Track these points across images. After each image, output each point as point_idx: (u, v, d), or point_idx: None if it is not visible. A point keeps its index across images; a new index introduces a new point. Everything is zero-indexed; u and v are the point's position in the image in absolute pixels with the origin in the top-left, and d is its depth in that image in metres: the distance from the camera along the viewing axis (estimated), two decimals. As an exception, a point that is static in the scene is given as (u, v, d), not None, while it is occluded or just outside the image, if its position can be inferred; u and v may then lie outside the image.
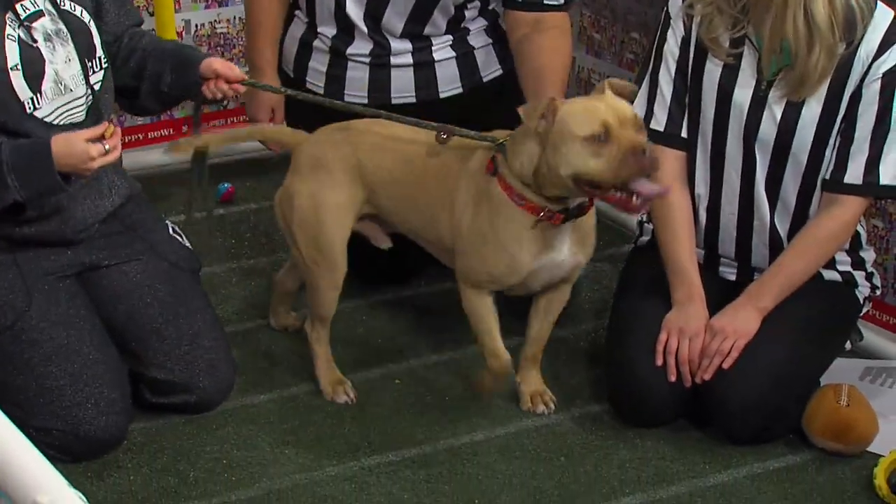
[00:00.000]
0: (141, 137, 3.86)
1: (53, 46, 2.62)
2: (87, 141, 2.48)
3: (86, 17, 2.69)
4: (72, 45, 2.64)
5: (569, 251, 2.72)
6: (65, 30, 2.64)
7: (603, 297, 3.35)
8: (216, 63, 2.72)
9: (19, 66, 2.56)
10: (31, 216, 2.65)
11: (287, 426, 2.83)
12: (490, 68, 3.22)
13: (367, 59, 3.14)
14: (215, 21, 3.97)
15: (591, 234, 2.77)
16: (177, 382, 2.78)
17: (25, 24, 2.59)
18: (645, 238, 3.05)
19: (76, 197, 2.69)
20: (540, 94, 2.99)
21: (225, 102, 2.70)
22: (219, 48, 3.98)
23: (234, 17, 3.98)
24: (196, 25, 3.92)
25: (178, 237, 2.91)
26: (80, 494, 1.38)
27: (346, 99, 3.17)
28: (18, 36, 2.57)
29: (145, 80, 2.77)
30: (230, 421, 2.84)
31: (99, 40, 2.71)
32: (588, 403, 2.94)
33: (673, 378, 2.78)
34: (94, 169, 2.50)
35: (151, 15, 3.72)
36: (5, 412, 1.50)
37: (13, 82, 2.56)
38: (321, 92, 3.20)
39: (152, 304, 2.77)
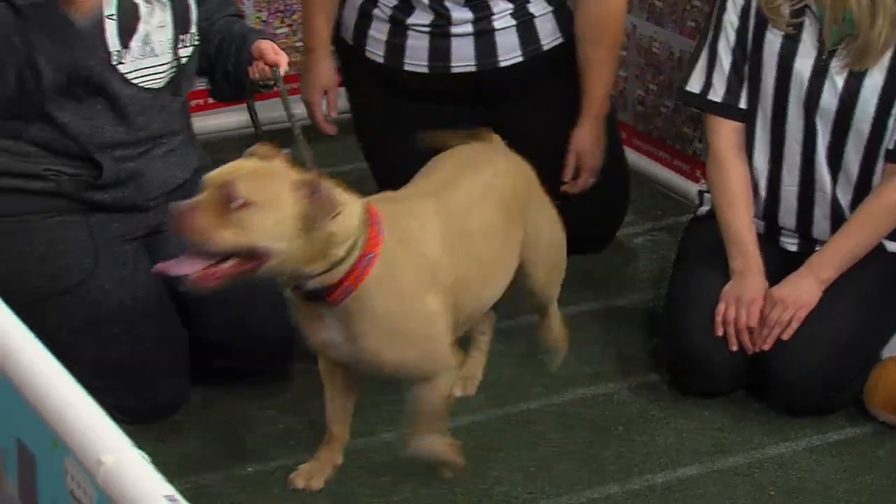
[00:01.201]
0: (202, 102, 3.88)
1: (152, 8, 2.65)
2: None
3: None
4: (169, 13, 2.67)
5: (339, 335, 2.32)
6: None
7: (661, 267, 3.33)
8: (262, 44, 2.68)
9: (115, 17, 2.60)
10: (108, 182, 2.67)
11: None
12: (551, 37, 3.21)
13: (428, 29, 3.14)
14: (275, -11, 3.98)
15: (375, 323, 2.29)
16: (237, 346, 2.80)
17: None
18: (705, 208, 3.03)
19: (151, 166, 2.72)
20: (596, 43, 3.07)
21: (273, 85, 2.66)
22: (279, 14, 3.99)
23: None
24: (257, -6, 3.93)
25: None
26: (144, 454, 1.39)
27: (406, 68, 3.17)
28: None
29: (219, 62, 2.77)
30: (288, 386, 2.86)
31: (195, 17, 2.73)
32: (646, 373, 2.93)
33: (734, 348, 2.76)
34: None
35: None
36: (69, 371, 1.52)
37: (105, 29, 2.59)
38: (381, 60, 3.19)
39: None
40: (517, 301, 3.00)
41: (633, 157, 3.67)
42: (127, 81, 2.64)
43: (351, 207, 2.23)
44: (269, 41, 2.69)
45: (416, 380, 2.39)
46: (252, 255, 2.13)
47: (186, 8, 2.72)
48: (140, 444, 1.40)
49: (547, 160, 3.25)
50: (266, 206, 2.10)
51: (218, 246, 2.10)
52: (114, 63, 2.61)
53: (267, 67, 2.65)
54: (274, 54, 2.65)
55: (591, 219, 3.34)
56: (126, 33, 2.62)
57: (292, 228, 2.12)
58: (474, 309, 2.50)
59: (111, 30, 2.60)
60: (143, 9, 2.65)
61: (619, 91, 3.84)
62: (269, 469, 2.59)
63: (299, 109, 3.40)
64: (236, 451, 2.64)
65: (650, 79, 3.81)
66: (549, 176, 3.26)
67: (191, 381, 2.77)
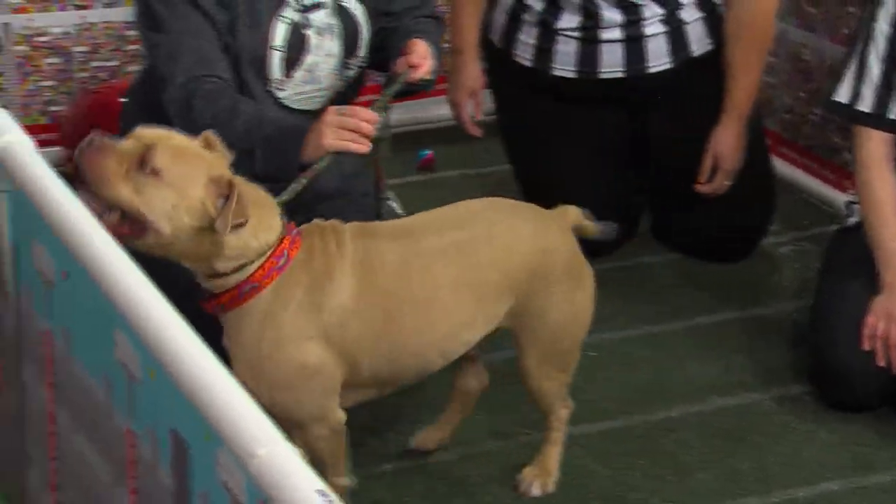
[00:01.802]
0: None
1: (322, 39, 2.64)
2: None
3: (360, 16, 2.70)
4: (338, 41, 2.66)
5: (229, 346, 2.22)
6: (337, 26, 2.66)
7: (805, 277, 3.28)
8: (417, 44, 2.59)
9: (283, 49, 2.60)
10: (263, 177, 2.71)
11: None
12: (701, 43, 3.18)
13: (577, 34, 3.12)
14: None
15: (242, 351, 2.18)
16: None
17: (304, 11, 2.63)
18: (853, 219, 2.97)
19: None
20: (744, 43, 3.02)
21: (421, 84, 2.60)
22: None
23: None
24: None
25: (393, 207, 2.95)
26: (296, 449, 1.42)
27: (554, 73, 3.17)
28: (293, 20, 2.61)
29: (382, 55, 2.72)
30: (428, 383, 2.86)
31: (366, 39, 2.71)
32: (788, 384, 2.88)
33: (882, 363, 2.71)
34: (339, 147, 2.40)
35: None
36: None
37: (269, 60, 2.60)
38: (529, 64, 3.20)
39: None
40: (660, 306, 2.99)
41: (779, 165, 3.62)
42: (282, 106, 2.63)
43: (258, 228, 2.13)
44: (425, 44, 2.60)
45: (287, 423, 2.07)
46: (135, 222, 2.05)
47: (356, 33, 2.70)
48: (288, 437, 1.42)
49: (690, 165, 3.23)
50: (172, 186, 2.04)
51: (110, 195, 2.03)
52: (270, 89, 2.61)
53: (406, 64, 2.56)
54: (418, 57, 2.56)
55: (735, 226, 3.31)
56: (289, 64, 2.62)
57: (185, 218, 2.05)
58: (392, 373, 2.31)
59: (274, 61, 2.60)
60: (314, 40, 2.63)
61: (766, 98, 3.78)
62: (406, 467, 2.61)
63: (444, 110, 3.43)
64: (377, 448, 2.66)
65: (799, 86, 3.75)
66: (692, 182, 3.24)
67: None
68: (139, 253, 1.93)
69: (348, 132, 2.37)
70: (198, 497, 1.57)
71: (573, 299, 2.40)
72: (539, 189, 3.10)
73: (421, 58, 2.55)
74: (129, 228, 2.05)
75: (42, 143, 3.48)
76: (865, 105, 2.78)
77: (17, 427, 2.19)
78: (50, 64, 3.68)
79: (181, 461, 1.60)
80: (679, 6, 3.14)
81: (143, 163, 2.03)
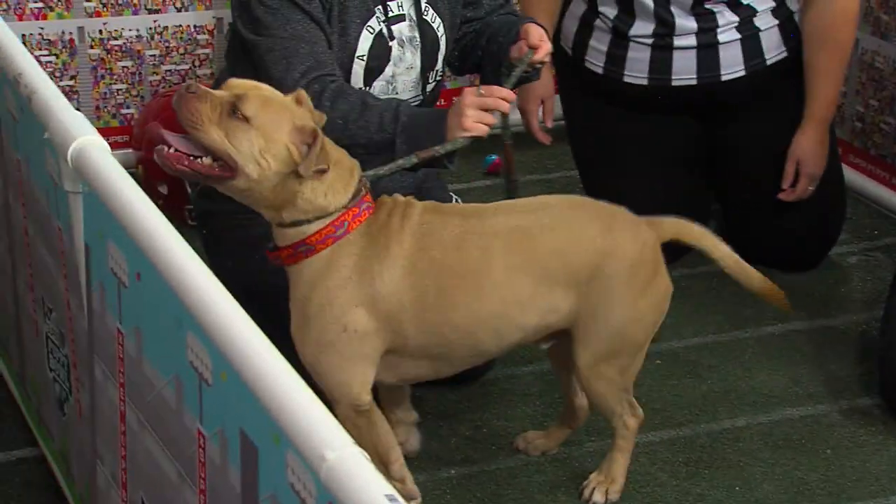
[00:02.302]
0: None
1: (403, 52, 2.67)
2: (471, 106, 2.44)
3: (441, 29, 2.72)
4: (419, 55, 2.68)
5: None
6: (418, 39, 2.68)
7: (876, 288, 3.24)
8: (531, 27, 2.58)
9: (365, 58, 2.63)
10: None
11: (546, 399, 2.84)
12: (775, 51, 3.16)
13: (650, 41, 3.11)
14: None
15: (294, 304, 2.31)
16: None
17: (388, 23, 2.65)
18: (925, 229, 2.94)
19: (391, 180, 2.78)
20: (824, 45, 3.03)
21: (536, 69, 2.59)
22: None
23: None
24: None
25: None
26: (364, 453, 1.42)
27: (626, 80, 3.16)
28: (379, 31, 2.63)
29: (488, 50, 2.72)
30: (492, 390, 2.87)
31: (443, 53, 2.73)
32: (857, 396, 2.85)
33: (953, 376, 2.68)
34: (477, 130, 2.42)
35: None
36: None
37: (352, 69, 2.62)
38: (600, 71, 3.19)
39: None
40: (728, 315, 2.96)
41: (849, 174, 3.58)
42: None
43: (331, 189, 2.23)
44: (539, 27, 2.59)
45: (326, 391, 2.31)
46: (225, 165, 2.17)
47: (436, 46, 2.71)
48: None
49: (763, 173, 3.21)
50: (260, 131, 2.16)
51: (202, 137, 2.16)
52: None
53: (525, 48, 2.56)
54: (536, 39, 2.55)
55: (805, 234, 3.28)
56: (371, 74, 2.64)
57: (271, 162, 2.16)
58: (441, 348, 2.34)
59: (357, 70, 2.63)
60: (395, 51, 2.65)
61: (836, 106, 3.74)
62: (470, 472, 2.61)
63: (514, 115, 3.42)
64: (439, 452, 2.67)
65: (871, 95, 3.71)
66: (765, 189, 3.22)
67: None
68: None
69: (487, 113, 2.40)
70: (265, 499, 1.58)
71: (635, 306, 2.39)
72: (607, 196, 3.09)
73: (539, 39, 2.56)
74: (219, 171, 2.17)
75: (114, 146, 3.54)
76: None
77: (88, 425, 2.21)
78: (123, 67, 3.73)
79: (250, 463, 1.61)
80: (754, 13, 3.11)
81: (233, 110, 2.16)
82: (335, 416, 2.20)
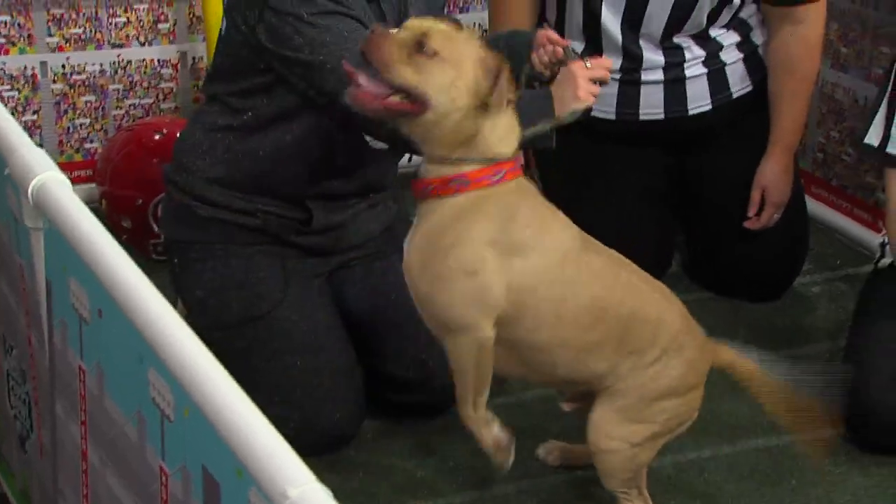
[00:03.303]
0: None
1: None
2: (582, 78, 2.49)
3: None
4: None
5: (408, 243, 2.40)
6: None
7: (839, 318, 3.26)
8: (546, 31, 2.60)
9: None
10: (315, 230, 2.75)
11: (516, 431, 2.83)
12: (740, 84, 3.19)
13: (618, 75, 3.13)
14: (455, 27, 4.01)
15: (422, 237, 2.35)
16: (412, 381, 2.82)
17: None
18: (887, 260, 2.96)
19: (355, 219, 2.79)
20: (789, 73, 3.06)
21: (548, 74, 2.60)
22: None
23: (475, 24, 4.02)
24: (436, 31, 3.96)
25: None
26: (327, 489, 1.42)
27: (594, 114, 3.17)
28: None
29: None
30: (458, 423, 2.86)
31: None
32: (822, 426, 2.86)
33: (917, 406, 2.69)
34: (591, 101, 2.49)
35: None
36: (250, 397, 1.55)
37: None
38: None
39: (397, 301, 2.83)
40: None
41: (811, 204, 3.60)
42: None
43: (505, 134, 2.28)
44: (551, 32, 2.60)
45: (439, 331, 2.37)
46: (416, 100, 2.22)
47: None
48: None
49: (730, 201, 3.23)
50: (450, 64, 2.21)
51: (394, 78, 2.21)
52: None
53: (560, 48, 2.55)
54: (553, 39, 2.57)
55: (770, 263, 3.30)
56: None
57: (460, 93, 2.21)
58: (525, 346, 2.35)
59: None
60: None
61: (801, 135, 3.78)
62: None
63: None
64: (405, 486, 2.66)
65: (832, 126, 3.74)
66: (731, 218, 3.24)
67: (364, 414, 2.80)
68: None
69: (595, 85, 2.46)
70: (229, 536, 1.57)
71: (657, 376, 2.38)
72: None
73: (554, 40, 2.57)
74: (410, 107, 2.22)
75: (77, 180, 3.53)
76: (895, 148, 2.78)
77: (50, 463, 2.19)
78: (86, 101, 3.72)
79: (213, 499, 1.60)
80: (720, 47, 3.14)
81: (420, 46, 2.21)
82: (454, 356, 2.33)
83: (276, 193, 2.72)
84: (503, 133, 2.28)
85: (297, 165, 2.70)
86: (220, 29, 2.74)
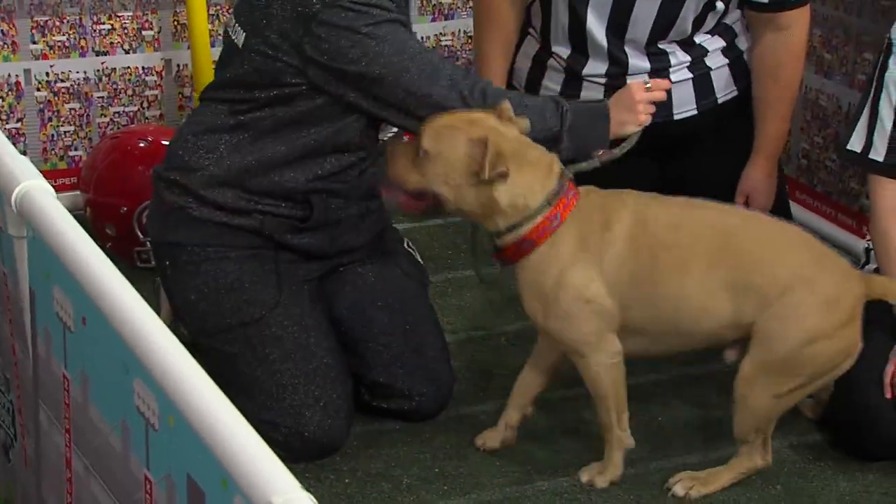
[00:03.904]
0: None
1: None
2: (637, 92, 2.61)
3: None
4: None
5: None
6: None
7: (824, 324, 3.26)
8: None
9: None
10: (315, 225, 2.75)
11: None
12: (725, 90, 3.19)
13: (603, 80, 3.12)
14: (440, 34, 4.02)
15: (526, 290, 2.59)
16: (398, 388, 2.82)
17: None
18: (871, 265, 2.96)
19: (348, 221, 2.79)
20: (774, 79, 3.08)
21: None
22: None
23: (459, 31, 4.02)
24: (422, 38, 3.97)
25: (411, 251, 2.98)
26: (312, 497, 1.41)
27: None
28: None
29: None
30: (443, 430, 2.87)
31: None
32: (808, 432, 2.87)
33: (902, 411, 2.70)
34: (643, 120, 2.62)
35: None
36: (236, 404, 1.54)
37: None
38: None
39: (383, 307, 2.83)
40: (685, 352, 2.98)
41: (795, 210, 3.60)
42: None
43: (528, 188, 2.47)
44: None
45: (572, 355, 2.59)
46: (432, 196, 2.48)
47: None
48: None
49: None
50: (439, 157, 2.45)
51: (407, 186, 2.50)
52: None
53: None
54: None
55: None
56: None
57: (457, 178, 2.45)
58: (646, 320, 2.54)
59: None
60: None
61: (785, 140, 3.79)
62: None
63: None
64: (391, 493, 2.66)
65: (816, 132, 3.75)
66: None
67: (352, 421, 2.79)
68: None
69: (652, 105, 2.58)
70: (214, 544, 1.57)
71: (814, 341, 2.49)
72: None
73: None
74: (432, 201, 2.50)
75: (61, 188, 3.52)
76: (878, 154, 2.79)
77: (34, 471, 2.19)
78: (70, 109, 3.71)
79: (198, 508, 1.60)
80: (705, 52, 3.14)
81: (418, 149, 2.47)
82: (589, 377, 2.58)
83: (279, 192, 2.70)
84: (526, 190, 2.46)
85: (308, 164, 2.69)
86: (235, 43, 2.67)
